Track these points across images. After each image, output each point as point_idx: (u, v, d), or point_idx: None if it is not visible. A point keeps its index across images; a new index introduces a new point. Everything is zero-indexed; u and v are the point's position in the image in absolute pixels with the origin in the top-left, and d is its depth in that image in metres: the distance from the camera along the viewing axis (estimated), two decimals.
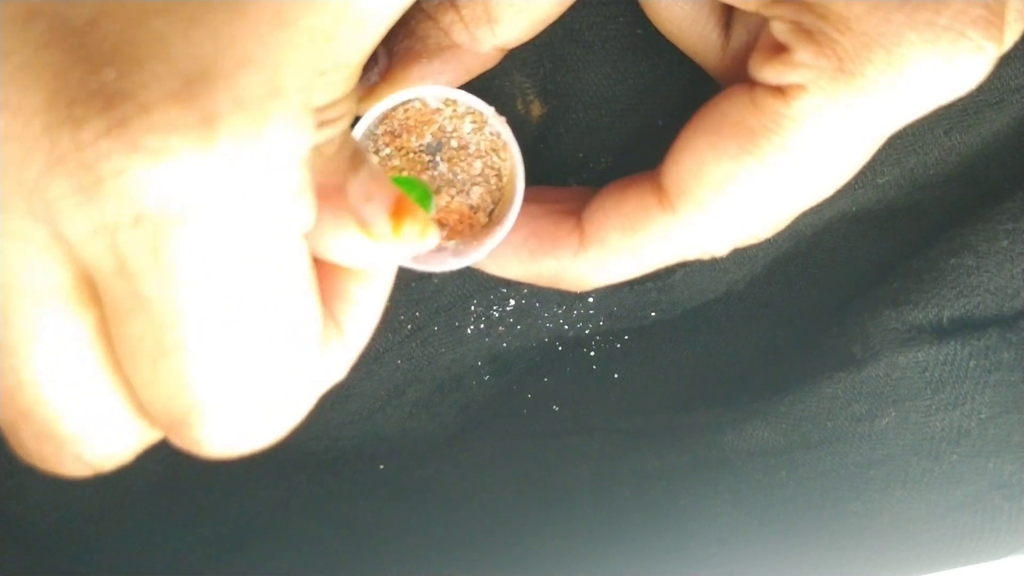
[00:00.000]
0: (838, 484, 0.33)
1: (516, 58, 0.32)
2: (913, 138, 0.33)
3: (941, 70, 0.24)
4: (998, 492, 0.33)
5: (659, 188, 0.28)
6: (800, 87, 0.25)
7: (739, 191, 0.27)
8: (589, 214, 0.30)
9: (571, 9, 0.32)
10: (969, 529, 0.33)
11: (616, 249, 0.29)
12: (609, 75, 0.33)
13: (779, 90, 0.25)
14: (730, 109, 0.27)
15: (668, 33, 0.30)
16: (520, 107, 0.34)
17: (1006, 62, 0.32)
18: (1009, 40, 0.25)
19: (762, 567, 0.34)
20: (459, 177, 0.32)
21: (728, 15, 0.29)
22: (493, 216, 0.32)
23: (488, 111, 0.30)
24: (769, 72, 0.26)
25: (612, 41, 0.33)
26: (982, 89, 0.32)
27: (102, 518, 0.36)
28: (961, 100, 0.32)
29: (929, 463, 0.33)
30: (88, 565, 0.36)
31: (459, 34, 0.28)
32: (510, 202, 0.30)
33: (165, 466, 0.36)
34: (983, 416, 0.32)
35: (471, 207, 0.32)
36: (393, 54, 0.29)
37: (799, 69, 0.25)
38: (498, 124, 0.30)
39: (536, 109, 0.34)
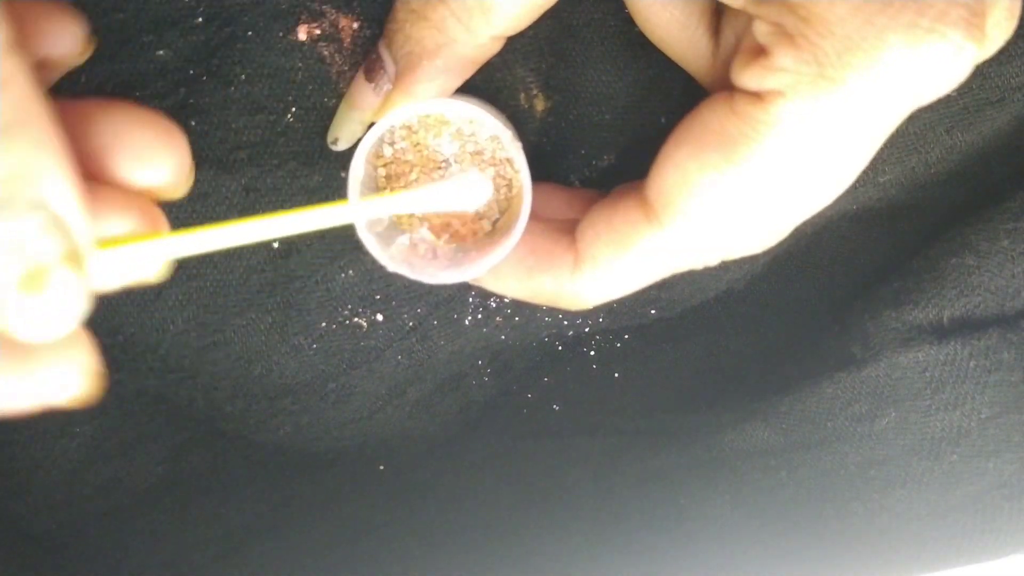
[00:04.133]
0: (838, 484, 0.33)
1: (518, 52, 0.32)
2: (915, 137, 0.33)
3: (921, 73, 0.24)
4: (998, 492, 0.33)
5: (645, 202, 0.28)
6: (779, 92, 0.25)
7: (722, 201, 0.26)
8: (581, 231, 0.30)
9: (567, 5, 0.32)
10: (969, 529, 0.33)
11: (608, 266, 0.29)
12: (609, 72, 0.33)
13: (758, 96, 0.25)
14: (710, 118, 0.26)
15: (658, 40, 0.30)
16: (524, 102, 0.33)
17: (1007, 60, 0.31)
18: (1001, 38, 0.25)
19: (762, 567, 0.34)
20: None
21: (717, 21, 0.29)
22: (497, 226, 0.31)
23: (506, 136, 0.30)
24: (749, 77, 0.25)
25: (611, 38, 0.32)
26: (983, 87, 0.32)
27: (103, 519, 0.36)
28: (963, 98, 0.32)
29: (929, 463, 0.33)
30: (89, 565, 0.36)
31: (453, 29, 0.28)
32: (515, 219, 0.30)
33: (166, 467, 0.36)
34: (983, 416, 0.32)
35: (477, 213, 0.31)
36: (397, 61, 0.29)
37: (778, 74, 0.24)
38: (512, 150, 0.30)
39: (540, 103, 0.33)
